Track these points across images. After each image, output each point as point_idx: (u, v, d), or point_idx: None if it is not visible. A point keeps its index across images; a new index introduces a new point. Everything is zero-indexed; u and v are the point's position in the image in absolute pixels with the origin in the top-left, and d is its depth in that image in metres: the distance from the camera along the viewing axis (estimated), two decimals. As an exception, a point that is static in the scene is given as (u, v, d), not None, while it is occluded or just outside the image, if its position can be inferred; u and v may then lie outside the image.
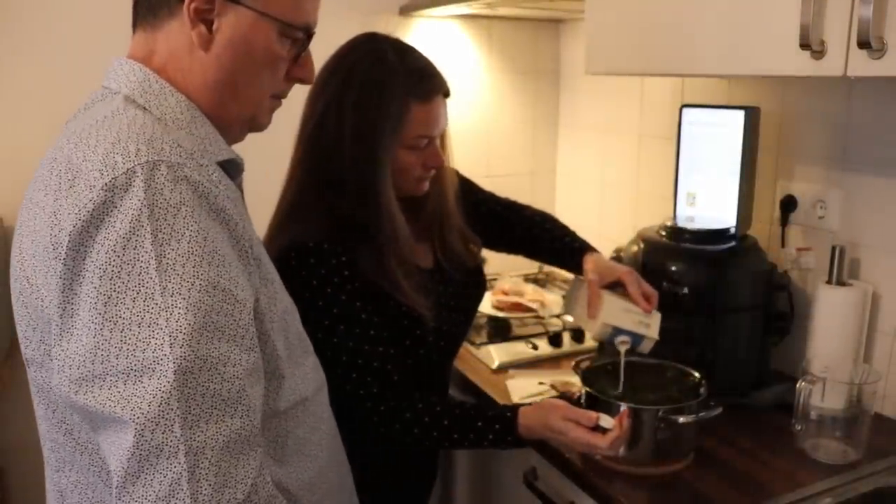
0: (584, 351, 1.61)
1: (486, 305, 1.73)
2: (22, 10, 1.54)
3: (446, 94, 1.20)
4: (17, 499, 1.67)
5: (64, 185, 0.69)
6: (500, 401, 1.40)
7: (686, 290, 1.32)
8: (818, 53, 0.98)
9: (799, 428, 1.19)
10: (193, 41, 0.77)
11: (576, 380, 1.34)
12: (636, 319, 1.24)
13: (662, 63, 1.27)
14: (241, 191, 0.87)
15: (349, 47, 1.18)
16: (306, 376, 0.88)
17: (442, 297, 1.25)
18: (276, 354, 0.79)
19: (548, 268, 2.04)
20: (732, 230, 1.41)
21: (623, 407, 1.11)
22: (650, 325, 1.24)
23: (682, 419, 1.11)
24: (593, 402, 1.15)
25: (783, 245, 1.47)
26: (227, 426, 0.68)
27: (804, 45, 0.98)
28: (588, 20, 1.41)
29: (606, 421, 1.07)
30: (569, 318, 1.68)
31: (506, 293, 1.82)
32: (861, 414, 1.18)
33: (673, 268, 1.35)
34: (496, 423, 1.11)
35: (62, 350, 0.68)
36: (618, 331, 1.23)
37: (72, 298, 0.67)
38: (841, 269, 1.30)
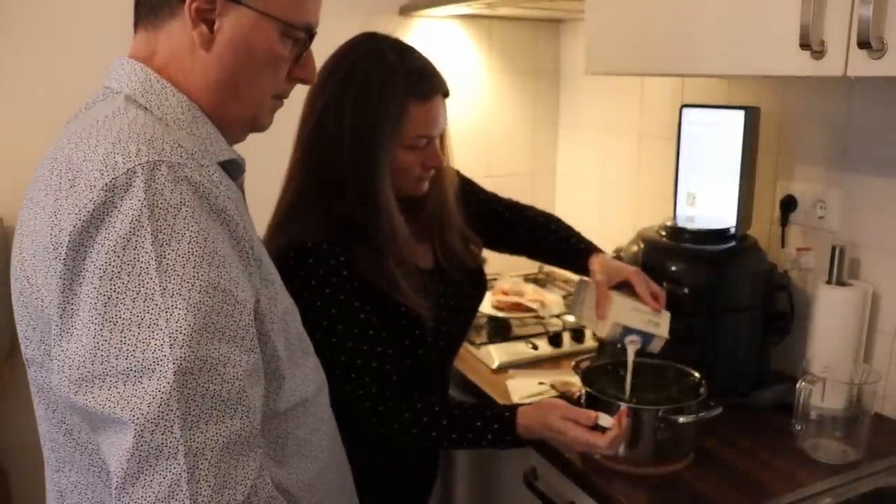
0: (584, 351, 1.61)
1: (486, 305, 1.73)
2: (22, 10, 1.54)
3: (446, 94, 1.20)
4: (17, 499, 1.67)
5: (64, 185, 0.69)
6: (500, 401, 1.40)
7: (686, 290, 1.32)
8: (818, 53, 0.98)
9: (799, 428, 1.19)
10: (195, 41, 0.77)
11: (576, 380, 1.34)
12: (646, 318, 1.25)
13: (662, 63, 1.27)
14: (243, 191, 0.87)
15: (349, 47, 1.18)
16: (307, 377, 0.88)
17: (442, 298, 1.25)
18: (276, 355, 0.79)
19: (548, 268, 2.04)
20: (732, 230, 1.41)
21: (623, 406, 1.11)
22: (660, 324, 1.25)
23: (682, 419, 1.12)
24: (593, 402, 1.15)
25: (783, 245, 1.47)
26: (227, 427, 0.68)
27: (804, 45, 0.98)
28: (588, 20, 1.41)
29: (605, 420, 1.07)
30: (569, 318, 1.69)
31: (506, 293, 1.82)
32: (861, 414, 1.18)
33: (673, 268, 1.35)
34: (495, 423, 1.11)
35: (62, 350, 0.68)
36: (628, 330, 1.23)
37: (72, 299, 0.67)
38: (841, 269, 1.30)
